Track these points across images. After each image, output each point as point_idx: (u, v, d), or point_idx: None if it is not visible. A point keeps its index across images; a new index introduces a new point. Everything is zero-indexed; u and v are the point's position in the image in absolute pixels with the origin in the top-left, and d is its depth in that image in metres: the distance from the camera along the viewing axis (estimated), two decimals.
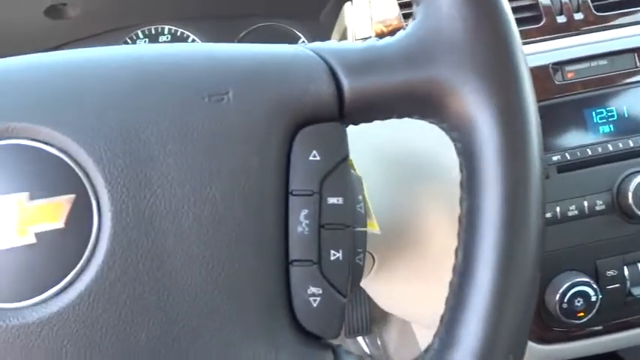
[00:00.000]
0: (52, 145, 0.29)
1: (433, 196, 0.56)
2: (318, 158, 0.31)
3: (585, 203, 0.57)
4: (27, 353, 0.27)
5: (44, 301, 0.28)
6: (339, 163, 0.31)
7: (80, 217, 0.28)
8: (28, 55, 0.32)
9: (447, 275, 0.48)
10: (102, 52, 0.31)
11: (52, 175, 0.28)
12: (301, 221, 0.31)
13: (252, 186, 0.30)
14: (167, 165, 0.29)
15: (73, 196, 0.28)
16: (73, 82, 0.30)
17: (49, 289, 0.28)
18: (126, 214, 0.28)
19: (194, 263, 0.29)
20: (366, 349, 1.00)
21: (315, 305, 0.30)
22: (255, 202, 0.30)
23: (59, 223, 0.28)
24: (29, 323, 0.27)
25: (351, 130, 0.33)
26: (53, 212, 0.28)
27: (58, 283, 0.28)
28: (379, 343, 0.98)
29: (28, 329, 0.27)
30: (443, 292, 0.50)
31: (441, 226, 0.53)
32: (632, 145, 0.58)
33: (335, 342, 0.32)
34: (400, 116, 0.33)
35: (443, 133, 0.50)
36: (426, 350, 0.31)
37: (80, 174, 0.28)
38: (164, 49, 0.32)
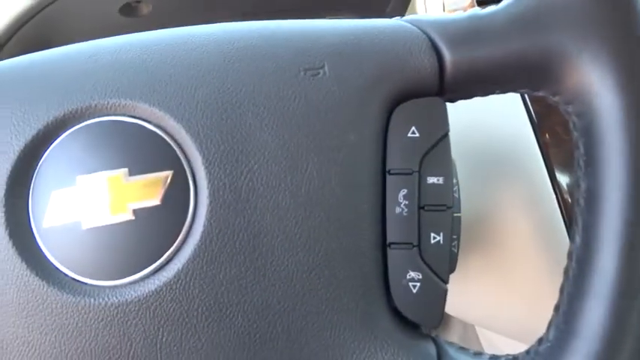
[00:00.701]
0: (149, 122, 0.28)
1: (515, 188, 0.53)
2: (417, 135, 0.29)
3: None
4: (124, 332, 0.27)
5: (142, 279, 0.27)
6: (439, 140, 0.29)
7: (177, 193, 0.27)
8: (118, 36, 0.31)
9: (526, 277, 0.45)
10: (195, 29, 0.31)
11: (149, 152, 0.28)
12: (400, 202, 0.29)
13: (349, 163, 0.28)
14: (263, 141, 0.28)
15: (170, 172, 0.28)
16: (167, 59, 0.29)
17: (146, 267, 0.27)
18: (223, 191, 0.27)
19: (291, 243, 0.27)
20: None
21: (414, 291, 0.29)
22: (352, 181, 0.28)
23: (156, 200, 0.27)
24: (127, 301, 0.27)
25: None
26: (151, 189, 0.27)
27: (155, 261, 0.27)
28: None
29: (126, 308, 0.27)
30: (520, 295, 0.47)
31: (522, 222, 0.50)
32: None
33: None
34: (504, 90, 0.31)
35: (525, 118, 0.48)
36: (540, 342, 0.28)
37: (177, 150, 0.28)
38: (257, 25, 0.31)
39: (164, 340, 0.27)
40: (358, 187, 0.28)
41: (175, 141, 0.28)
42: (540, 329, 0.29)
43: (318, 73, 0.29)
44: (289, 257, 0.27)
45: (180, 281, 0.27)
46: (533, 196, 0.46)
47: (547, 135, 0.48)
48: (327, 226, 0.28)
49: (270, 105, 0.28)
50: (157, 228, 0.27)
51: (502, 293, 0.50)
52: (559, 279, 0.29)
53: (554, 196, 0.45)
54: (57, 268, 0.27)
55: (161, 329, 0.27)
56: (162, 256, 0.27)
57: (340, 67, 0.29)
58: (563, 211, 0.44)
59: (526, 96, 0.48)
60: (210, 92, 0.28)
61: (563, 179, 0.45)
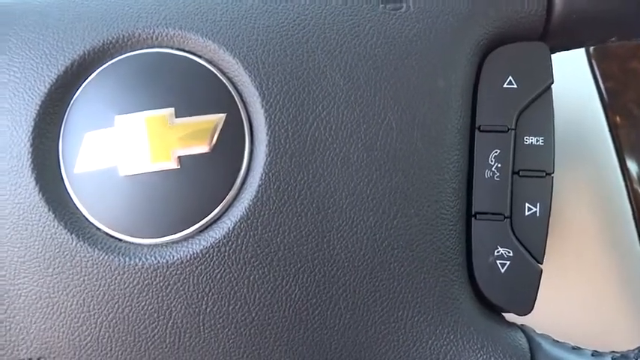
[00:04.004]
0: (200, 56, 0.24)
1: (579, 175, 0.48)
2: (514, 86, 0.24)
3: None
4: (162, 298, 0.23)
5: (185, 238, 0.23)
6: (541, 93, 0.25)
7: (230, 140, 0.23)
8: None
9: (588, 275, 0.40)
10: None
11: (199, 91, 0.24)
12: (491, 164, 0.24)
13: (434, 115, 0.24)
14: (334, 82, 0.23)
15: (222, 115, 0.23)
16: None
17: (191, 225, 0.23)
18: (285, 140, 0.23)
19: (362, 205, 0.23)
20: None
21: (502, 270, 0.24)
22: (437, 136, 0.24)
23: (206, 147, 0.23)
24: (167, 263, 0.23)
25: None
26: (200, 134, 0.23)
27: (202, 218, 0.23)
28: None
29: (166, 270, 0.23)
30: (579, 291, 0.42)
31: (585, 212, 0.45)
32: None
33: None
34: (621, 38, 0.26)
35: (595, 95, 0.42)
36: None
37: (232, 90, 0.24)
38: None
39: (208, 310, 0.23)
40: (443, 143, 0.24)
41: (230, 79, 0.24)
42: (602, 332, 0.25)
43: (401, 7, 0.24)
44: (359, 222, 0.23)
45: (230, 243, 0.23)
46: (600, 184, 0.41)
47: (617, 117, 0.42)
48: (405, 189, 0.23)
49: (343, 41, 0.24)
50: (205, 180, 0.23)
51: (561, 289, 0.45)
52: (625, 278, 0.24)
53: (623, 185, 0.40)
54: (88, 221, 0.24)
55: (205, 297, 0.23)
56: (210, 212, 0.23)
57: (426, 1, 0.24)
58: (633, 204, 0.39)
59: (597, 72, 0.43)
60: (271, 24, 0.24)
61: (634, 167, 0.40)
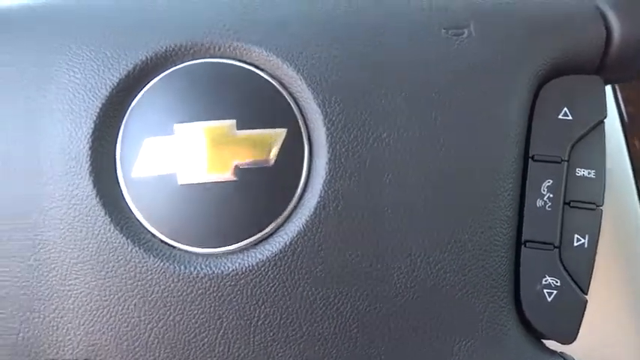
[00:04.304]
0: (262, 69, 0.24)
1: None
2: (569, 117, 0.25)
3: None
4: (215, 308, 0.23)
5: (241, 250, 0.23)
6: (595, 126, 0.25)
7: (290, 156, 0.23)
8: None
9: (606, 303, 0.40)
10: None
11: (261, 104, 0.24)
12: (543, 193, 0.25)
13: (492, 141, 0.24)
14: (396, 104, 0.24)
15: (283, 130, 0.24)
16: (292, 2, 0.25)
17: (247, 237, 0.23)
18: (345, 158, 0.23)
19: (416, 226, 0.23)
20: None
21: (549, 299, 0.24)
22: (494, 162, 0.24)
23: (267, 161, 0.23)
24: (222, 274, 0.23)
25: None
26: (261, 147, 0.23)
27: (258, 231, 0.23)
28: None
29: (220, 281, 0.23)
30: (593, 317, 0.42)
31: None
32: None
33: None
34: None
35: (616, 119, 0.42)
36: None
37: (293, 106, 0.24)
38: None
39: (259, 323, 0.23)
40: (500, 171, 0.24)
41: (291, 94, 0.24)
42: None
43: (463, 33, 0.25)
44: (413, 244, 0.23)
45: (285, 258, 0.23)
46: (617, 206, 0.41)
47: (637, 141, 0.43)
48: (460, 213, 0.24)
49: (405, 65, 0.24)
50: (264, 193, 0.23)
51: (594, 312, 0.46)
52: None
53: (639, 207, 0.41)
54: (143, 226, 0.24)
55: (258, 310, 0.23)
56: (267, 226, 0.23)
57: (488, 29, 0.25)
58: None
59: (619, 96, 0.43)
60: (335, 42, 0.24)
61: None
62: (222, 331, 0.23)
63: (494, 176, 0.24)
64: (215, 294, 0.23)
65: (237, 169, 0.23)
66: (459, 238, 0.24)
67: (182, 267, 0.23)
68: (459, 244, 0.24)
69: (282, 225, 0.23)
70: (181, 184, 0.23)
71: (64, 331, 0.24)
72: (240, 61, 0.24)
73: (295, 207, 0.23)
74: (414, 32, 0.24)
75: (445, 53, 0.24)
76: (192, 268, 0.23)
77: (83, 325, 0.24)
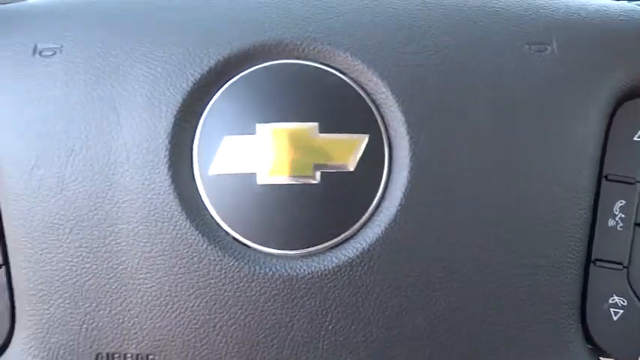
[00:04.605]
0: (345, 74, 0.24)
1: None
2: None
3: None
4: (287, 310, 0.23)
5: (317, 253, 0.23)
6: None
7: (371, 162, 0.23)
8: None
9: None
10: None
11: (344, 109, 0.24)
12: (615, 214, 0.25)
13: (566, 158, 0.24)
14: (478, 117, 0.24)
15: (365, 136, 0.23)
16: (372, 6, 0.25)
17: (324, 241, 0.23)
18: (427, 169, 0.23)
19: (490, 240, 0.23)
20: None
21: (615, 318, 0.25)
22: (565, 178, 0.24)
23: (347, 166, 0.23)
24: (297, 276, 0.23)
25: None
26: (342, 151, 0.23)
27: (335, 235, 0.23)
28: None
29: (293, 284, 0.23)
30: None
31: None
32: None
33: None
34: None
35: None
36: None
37: (375, 112, 0.24)
38: None
39: (330, 327, 0.23)
40: (576, 189, 0.24)
41: (374, 101, 0.24)
42: None
43: (545, 50, 0.25)
44: (487, 258, 0.23)
45: (362, 264, 0.23)
46: None
47: None
48: (535, 228, 0.24)
49: (488, 76, 0.24)
50: (343, 198, 0.23)
51: None
52: None
53: None
54: (217, 224, 0.24)
55: (330, 314, 0.23)
56: (344, 231, 0.23)
57: (569, 47, 0.25)
58: None
59: None
60: (420, 51, 0.24)
61: None
62: (291, 334, 0.23)
63: (569, 193, 0.24)
64: (288, 296, 0.23)
65: (318, 173, 0.23)
66: (531, 253, 0.24)
67: (256, 267, 0.23)
68: (531, 259, 0.24)
69: (358, 231, 0.23)
70: (260, 184, 0.23)
71: (130, 324, 0.24)
72: (323, 64, 0.24)
73: (373, 214, 0.23)
74: (499, 45, 0.25)
75: (527, 68, 0.24)
76: (266, 269, 0.23)
77: (150, 320, 0.24)
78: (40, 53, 0.25)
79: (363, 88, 0.24)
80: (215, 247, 0.23)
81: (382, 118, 0.24)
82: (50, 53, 0.25)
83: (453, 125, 0.23)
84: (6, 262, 0.26)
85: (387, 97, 0.24)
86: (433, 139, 0.23)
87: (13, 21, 0.26)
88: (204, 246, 0.23)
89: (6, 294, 0.26)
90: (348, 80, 0.24)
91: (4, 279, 0.26)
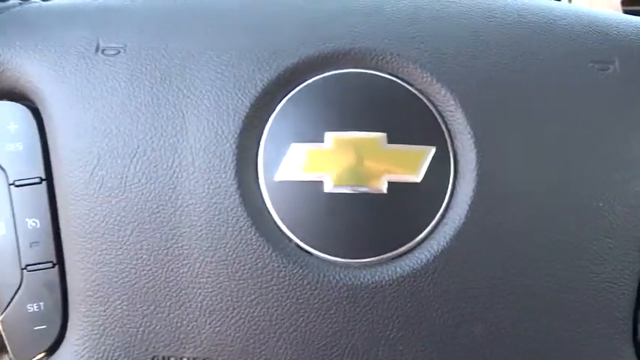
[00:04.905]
0: (412, 85, 0.24)
1: None
2: None
3: None
4: (348, 319, 0.23)
5: (379, 263, 0.23)
6: None
7: (437, 174, 0.24)
8: None
9: None
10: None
11: (411, 120, 0.24)
12: None
13: (624, 174, 0.24)
14: (543, 133, 0.24)
15: (432, 148, 0.24)
16: (441, 16, 0.25)
17: (388, 251, 0.23)
18: (492, 183, 0.23)
19: (551, 254, 0.24)
20: None
21: None
22: (625, 195, 0.24)
23: (414, 177, 0.23)
24: (361, 285, 0.23)
25: None
26: (410, 163, 0.23)
27: (399, 246, 0.23)
28: None
29: (357, 292, 0.23)
30: None
31: None
32: None
33: None
34: None
35: None
36: None
37: (442, 124, 0.24)
38: (542, 3, 0.27)
39: (391, 336, 0.23)
40: (632, 205, 0.24)
41: (440, 113, 0.24)
42: None
43: (608, 68, 0.25)
44: (548, 270, 0.24)
45: (424, 275, 0.23)
46: None
47: None
48: (596, 243, 0.24)
49: (553, 93, 0.24)
50: (408, 209, 0.23)
51: None
52: None
53: None
54: (281, 230, 0.24)
55: (391, 324, 0.23)
56: (407, 242, 0.23)
57: (632, 68, 0.25)
58: None
59: None
60: (488, 66, 0.24)
61: None
62: (352, 343, 0.23)
63: (629, 210, 0.24)
64: (349, 304, 0.23)
65: (386, 183, 0.23)
66: (590, 268, 0.24)
67: (319, 275, 0.23)
68: (591, 274, 0.24)
69: (422, 242, 0.23)
70: (328, 192, 0.23)
71: (189, 328, 0.24)
72: (391, 74, 0.24)
73: (437, 225, 0.23)
74: (564, 62, 0.25)
75: (590, 86, 0.25)
76: (329, 277, 0.23)
77: (209, 324, 0.24)
78: (102, 51, 0.25)
79: (430, 100, 0.24)
80: (278, 253, 0.23)
81: (448, 130, 0.24)
82: (114, 52, 0.25)
83: (519, 139, 0.24)
84: (60, 262, 0.26)
85: (456, 110, 0.24)
86: (499, 152, 0.23)
87: (75, 17, 0.26)
88: (268, 252, 0.23)
89: (58, 293, 0.26)
90: (415, 91, 0.24)
91: (57, 278, 0.26)
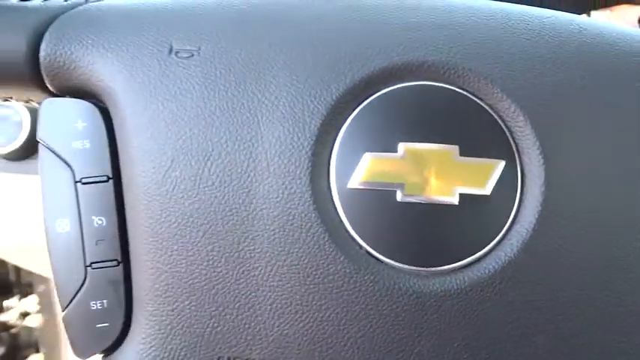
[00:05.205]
0: (482, 99, 0.25)
1: None
2: None
3: None
4: (415, 326, 0.24)
5: (448, 272, 0.24)
6: None
7: (505, 187, 0.24)
8: None
9: None
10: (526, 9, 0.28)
11: (482, 134, 0.25)
12: None
13: None
14: (605, 149, 0.25)
15: (502, 162, 0.24)
16: (511, 30, 0.26)
17: (457, 260, 0.24)
18: (560, 199, 0.24)
19: (615, 268, 0.24)
20: None
21: None
22: None
23: (484, 190, 0.24)
24: (430, 293, 0.24)
25: None
26: (480, 175, 0.24)
27: (467, 256, 0.24)
28: None
29: (425, 299, 0.24)
30: None
31: None
32: None
33: None
34: None
35: None
36: None
37: (510, 138, 0.25)
38: (588, 21, 0.28)
39: (455, 344, 0.24)
40: None
41: (509, 128, 0.25)
42: None
43: None
44: (611, 284, 0.24)
45: (488, 287, 0.24)
46: None
47: None
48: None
49: (621, 111, 0.25)
50: (477, 220, 0.24)
51: None
52: None
53: None
54: (352, 237, 0.24)
55: (456, 332, 0.24)
56: (476, 252, 0.24)
57: None
58: None
59: None
60: (557, 84, 0.25)
61: None
62: (417, 349, 0.24)
63: None
64: (417, 312, 0.24)
65: (457, 194, 0.24)
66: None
67: (389, 282, 0.24)
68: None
69: (489, 253, 0.24)
70: (399, 202, 0.24)
71: (256, 330, 0.24)
72: (462, 88, 0.25)
73: (503, 238, 0.24)
74: (631, 81, 0.25)
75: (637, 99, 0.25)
76: (400, 284, 0.24)
77: (277, 326, 0.24)
78: (176, 54, 0.25)
79: (499, 115, 0.25)
80: (349, 259, 0.24)
81: (516, 145, 0.25)
82: (187, 55, 0.25)
83: (585, 157, 0.24)
84: (125, 260, 0.26)
85: (525, 126, 0.24)
86: (566, 168, 0.24)
87: (147, 17, 0.26)
88: (340, 258, 0.24)
89: (121, 291, 0.26)
90: (485, 106, 0.25)
91: (121, 276, 0.26)
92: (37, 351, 0.96)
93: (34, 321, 0.97)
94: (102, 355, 0.27)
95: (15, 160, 0.54)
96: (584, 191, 0.24)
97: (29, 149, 0.54)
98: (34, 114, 0.55)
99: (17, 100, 0.28)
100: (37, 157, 0.57)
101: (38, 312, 0.95)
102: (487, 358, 0.24)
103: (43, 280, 0.91)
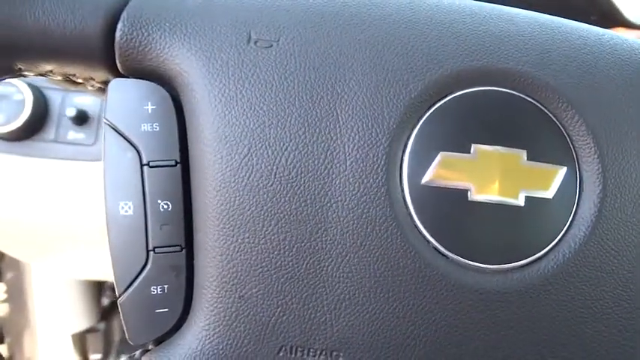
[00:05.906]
0: (545, 107, 0.26)
1: None
2: None
3: None
4: (477, 320, 0.25)
5: (510, 270, 0.25)
6: None
7: (565, 192, 0.26)
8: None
9: None
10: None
11: (547, 140, 0.26)
12: None
13: None
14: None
15: (564, 168, 0.26)
16: (575, 48, 0.27)
17: (518, 259, 0.25)
18: (615, 206, 0.26)
19: None
20: None
21: None
22: None
23: (547, 193, 0.25)
24: (493, 290, 0.25)
25: None
26: (545, 179, 0.25)
27: (528, 256, 0.25)
28: None
29: (488, 296, 0.25)
30: None
31: None
32: None
33: None
34: None
35: None
36: None
37: (571, 146, 0.26)
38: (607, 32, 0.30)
39: (512, 340, 0.25)
40: None
41: (569, 135, 0.26)
42: None
43: None
44: None
45: (547, 285, 0.25)
46: None
47: None
48: None
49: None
50: (540, 222, 0.25)
51: None
52: None
53: None
54: (422, 234, 0.25)
55: (513, 328, 0.25)
56: (535, 253, 0.25)
57: None
58: None
59: None
60: (615, 92, 0.26)
61: None
62: (475, 344, 0.25)
63: None
64: (480, 307, 0.25)
65: (523, 196, 0.25)
66: None
67: (455, 278, 0.25)
68: None
69: (548, 253, 0.25)
70: (471, 201, 0.25)
71: (322, 320, 0.25)
72: (531, 97, 0.26)
73: (561, 240, 0.25)
74: None
75: None
76: (465, 280, 0.25)
77: (343, 317, 0.25)
78: (255, 43, 0.25)
79: (562, 123, 0.26)
80: (418, 254, 0.24)
81: (576, 152, 0.26)
82: (266, 45, 0.25)
83: None
84: (188, 246, 0.26)
85: (586, 135, 0.26)
86: (622, 177, 0.26)
87: (227, 4, 0.26)
88: (412, 252, 0.24)
89: (183, 277, 0.26)
90: (549, 114, 0.26)
91: (184, 262, 0.26)
92: (2, 341, 0.92)
93: (0, 310, 0.93)
94: (153, 343, 0.26)
95: (14, 141, 0.53)
96: (639, 199, 0.26)
97: (30, 130, 0.52)
98: (36, 92, 0.53)
99: (78, 78, 0.27)
100: (36, 139, 0.55)
101: (4, 301, 0.91)
102: (542, 351, 0.25)
103: (13, 267, 0.88)
